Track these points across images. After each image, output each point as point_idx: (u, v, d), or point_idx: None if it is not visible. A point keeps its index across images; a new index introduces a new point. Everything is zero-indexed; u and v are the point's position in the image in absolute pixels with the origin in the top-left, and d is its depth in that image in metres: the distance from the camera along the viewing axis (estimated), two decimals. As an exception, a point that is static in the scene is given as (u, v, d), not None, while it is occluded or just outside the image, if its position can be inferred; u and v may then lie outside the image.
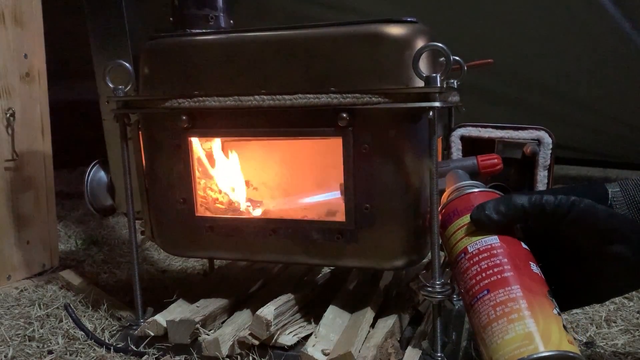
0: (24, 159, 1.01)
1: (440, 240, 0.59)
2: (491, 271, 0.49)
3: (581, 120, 1.81)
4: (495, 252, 0.50)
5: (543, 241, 0.54)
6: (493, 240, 0.51)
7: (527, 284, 0.47)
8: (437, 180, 0.60)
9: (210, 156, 0.76)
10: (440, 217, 0.58)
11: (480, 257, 0.50)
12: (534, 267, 0.49)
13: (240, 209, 0.76)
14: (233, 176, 0.77)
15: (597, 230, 0.49)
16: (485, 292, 0.48)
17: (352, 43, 0.63)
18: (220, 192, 0.76)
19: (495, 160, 0.66)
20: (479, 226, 0.52)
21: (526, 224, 0.54)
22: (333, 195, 0.71)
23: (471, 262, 0.50)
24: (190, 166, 0.71)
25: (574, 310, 0.79)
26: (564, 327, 0.45)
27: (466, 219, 0.54)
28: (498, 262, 0.49)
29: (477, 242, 0.51)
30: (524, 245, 0.52)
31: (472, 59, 0.78)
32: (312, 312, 0.72)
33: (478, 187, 0.58)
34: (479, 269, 0.49)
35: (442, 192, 0.62)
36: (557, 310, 0.46)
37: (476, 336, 0.48)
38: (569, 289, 0.52)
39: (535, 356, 0.42)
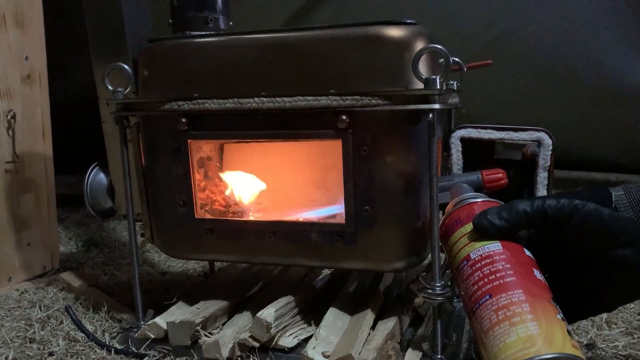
0: (25, 160, 1.02)
1: (444, 249, 0.59)
2: (493, 276, 0.48)
3: (583, 123, 1.80)
4: (497, 258, 0.50)
5: (547, 252, 0.53)
6: (495, 246, 0.51)
7: (529, 289, 0.47)
8: (436, 182, 0.59)
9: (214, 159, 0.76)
10: (443, 228, 0.58)
11: (483, 263, 0.50)
12: (537, 274, 0.49)
13: (241, 212, 0.76)
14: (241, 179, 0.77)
15: (602, 234, 0.48)
16: (488, 297, 0.47)
17: (352, 45, 0.63)
18: (222, 194, 0.76)
19: (500, 175, 0.66)
20: (482, 232, 0.52)
21: (529, 229, 0.54)
22: (337, 210, 0.70)
23: (473, 268, 0.50)
24: (189, 168, 0.71)
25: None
26: (569, 332, 0.44)
27: (469, 227, 0.54)
28: (500, 267, 0.49)
29: (480, 248, 0.51)
30: (527, 253, 0.51)
31: (472, 60, 0.78)
32: (312, 314, 0.72)
33: (481, 198, 0.58)
34: (481, 275, 0.49)
35: (444, 205, 0.62)
36: (562, 315, 0.45)
37: (478, 342, 0.48)
38: (575, 299, 0.52)
39: (537, 358, 0.41)
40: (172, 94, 0.69)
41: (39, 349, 0.73)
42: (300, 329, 0.69)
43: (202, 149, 0.74)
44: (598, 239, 0.49)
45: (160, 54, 0.71)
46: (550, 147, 0.71)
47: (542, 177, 0.72)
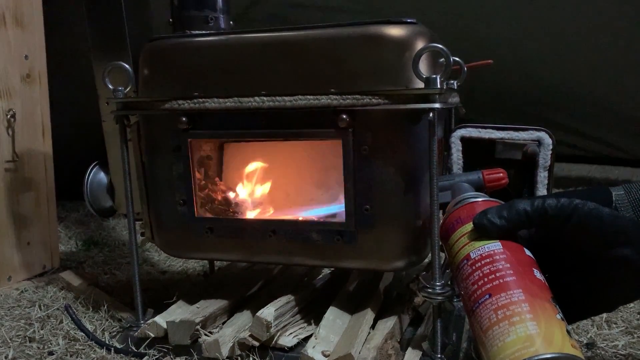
0: (25, 160, 1.02)
1: (444, 248, 0.59)
2: (493, 276, 0.48)
3: (583, 118, 1.80)
4: (497, 257, 0.50)
5: (547, 251, 0.53)
6: (496, 246, 0.51)
7: (529, 288, 0.47)
8: (437, 181, 0.59)
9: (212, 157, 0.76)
10: (443, 227, 0.58)
11: (483, 262, 0.50)
12: (537, 273, 0.49)
13: (241, 210, 0.76)
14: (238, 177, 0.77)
15: (602, 233, 0.48)
16: (487, 296, 0.47)
17: (352, 44, 0.63)
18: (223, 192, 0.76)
19: (501, 175, 0.66)
20: (482, 231, 0.52)
21: (529, 229, 0.54)
22: (337, 209, 0.70)
23: (473, 267, 0.50)
24: (189, 167, 0.71)
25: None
26: (568, 332, 0.44)
27: (469, 226, 0.54)
28: (500, 267, 0.49)
29: (480, 248, 0.51)
30: (527, 252, 0.51)
31: (472, 60, 0.78)
32: (312, 313, 0.72)
33: (481, 197, 0.58)
34: (480, 274, 0.49)
35: (445, 205, 0.62)
36: (561, 315, 0.45)
37: (477, 342, 0.48)
38: (575, 299, 0.52)
39: (535, 358, 0.41)
40: (173, 93, 0.69)
41: (38, 348, 0.73)
42: (300, 328, 0.69)
43: (202, 148, 0.74)
44: (598, 239, 0.49)
45: (160, 53, 0.71)
46: (551, 147, 0.71)
47: (542, 176, 0.72)
